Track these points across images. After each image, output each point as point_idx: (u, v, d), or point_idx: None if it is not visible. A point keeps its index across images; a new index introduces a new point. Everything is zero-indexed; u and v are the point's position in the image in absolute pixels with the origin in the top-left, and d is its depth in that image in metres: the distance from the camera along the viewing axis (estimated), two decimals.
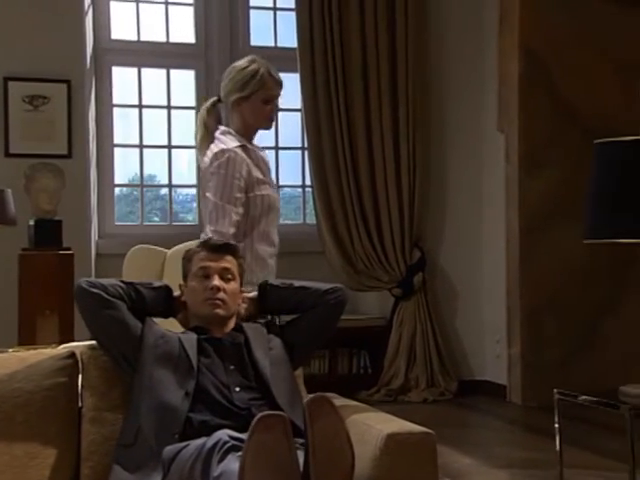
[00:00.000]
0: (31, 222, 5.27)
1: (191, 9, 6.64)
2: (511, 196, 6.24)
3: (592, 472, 4.34)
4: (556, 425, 3.20)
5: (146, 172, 6.83)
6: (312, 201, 6.52)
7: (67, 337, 4.78)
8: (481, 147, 6.73)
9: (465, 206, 6.73)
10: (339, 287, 2.83)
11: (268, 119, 3.54)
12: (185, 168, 6.88)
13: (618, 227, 2.57)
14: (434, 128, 6.68)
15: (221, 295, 2.70)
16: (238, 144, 3.43)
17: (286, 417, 2.06)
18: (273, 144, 6.82)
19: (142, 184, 6.67)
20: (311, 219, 6.68)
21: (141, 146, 6.57)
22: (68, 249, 5.27)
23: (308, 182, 6.65)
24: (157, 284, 2.77)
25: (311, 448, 2.06)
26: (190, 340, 2.61)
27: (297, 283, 2.83)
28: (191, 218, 6.83)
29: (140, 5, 6.55)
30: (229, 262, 2.77)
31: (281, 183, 6.91)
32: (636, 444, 2.85)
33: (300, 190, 6.95)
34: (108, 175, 6.43)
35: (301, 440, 2.32)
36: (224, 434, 2.21)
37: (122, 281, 2.68)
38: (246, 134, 3.52)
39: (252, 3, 6.73)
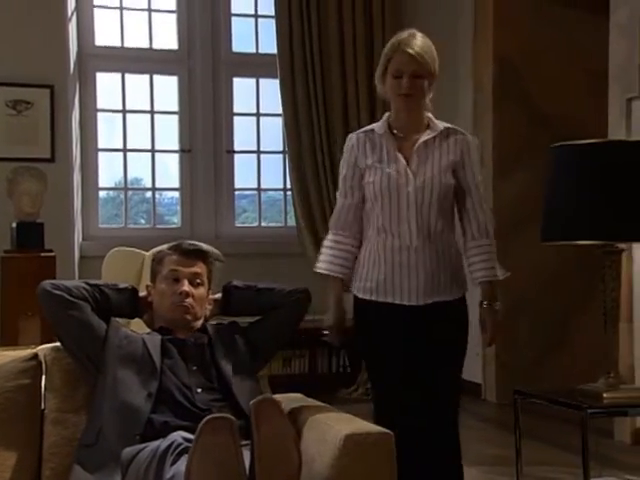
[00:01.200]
0: (13, 225, 5.21)
1: (174, 16, 6.58)
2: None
3: (553, 468, 4.36)
4: (515, 424, 3.19)
5: (132, 175, 6.77)
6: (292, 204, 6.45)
7: (49, 338, 4.71)
8: None
9: None
10: (302, 289, 2.78)
11: (396, 95, 2.92)
12: (172, 171, 6.80)
13: (573, 229, 2.58)
14: None
15: (189, 301, 2.65)
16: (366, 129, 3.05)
17: (233, 420, 2.01)
18: (255, 148, 6.77)
19: (126, 187, 6.60)
20: (292, 222, 6.62)
21: (125, 150, 6.51)
22: (50, 251, 5.22)
23: (289, 185, 6.59)
24: (122, 285, 2.70)
25: (257, 451, 2.02)
26: (154, 341, 2.56)
27: (261, 284, 2.78)
28: (176, 220, 6.76)
29: (124, 12, 6.49)
30: (200, 268, 2.71)
31: (262, 186, 6.87)
32: (593, 438, 2.82)
33: (282, 193, 6.89)
34: (92, 178, 6.36)
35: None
36: (178, 436, 2.15)
37: (87, 282, 2.62)
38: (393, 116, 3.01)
39: (234, 10, 6.67)
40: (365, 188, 2.95)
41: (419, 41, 2.97)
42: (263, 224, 6.91)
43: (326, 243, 3.04)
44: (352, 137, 3.02)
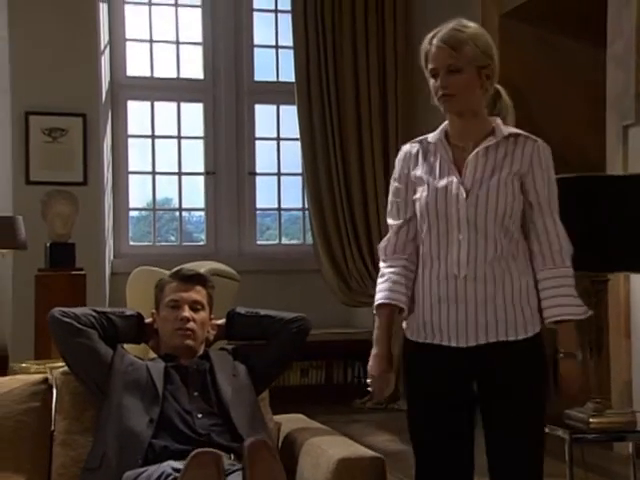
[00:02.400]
0: (47, 245, 5.23)
1: (200, 48, 6.59)
2: None
3: None
4: None
5: (163, 196, 6.79)
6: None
7: None
8: None
9: None
10: (301, 316, 2.73)
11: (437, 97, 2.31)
12: (199, 192, 6.79)
13: None
14: None
15: (191, 325, 2.61)
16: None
17: (220, 455, 1.98)
18: (275, 170, 6.76)
19: (154, 208, 6.62)
20: (311, 239, 6.60)
21: (154, 173, 6.52)
22: (80, 269, 5.21)
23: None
24: (128, 312, 2.68)
25: None
26: (157, 368, 2.52)
27: (262, 312, 2.74)
28: (203, 237, 6.77)
29: (153, 44, 6.51)
30: (198, 293, 2.66)
31: (283, 206, 6.85)
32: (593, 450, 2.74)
33: (301, 213, 6.87)
34: (123, 199, 6.39)
35: None
36: (168, 466, 2.12)
37: (94, 310, 2.59)
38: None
39: (256, 42, 6.67)
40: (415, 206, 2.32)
41: (456, 28, 2.32)
42: (284, 241, 6.89)
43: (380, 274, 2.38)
44: (404, 148, 2.42)
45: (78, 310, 2.58)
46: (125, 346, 2.65)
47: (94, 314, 2.57)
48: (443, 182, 2.26)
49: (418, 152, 2.37)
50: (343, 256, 6.31)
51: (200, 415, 2.44)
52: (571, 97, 6.02)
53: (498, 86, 2.36)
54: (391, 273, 2.32)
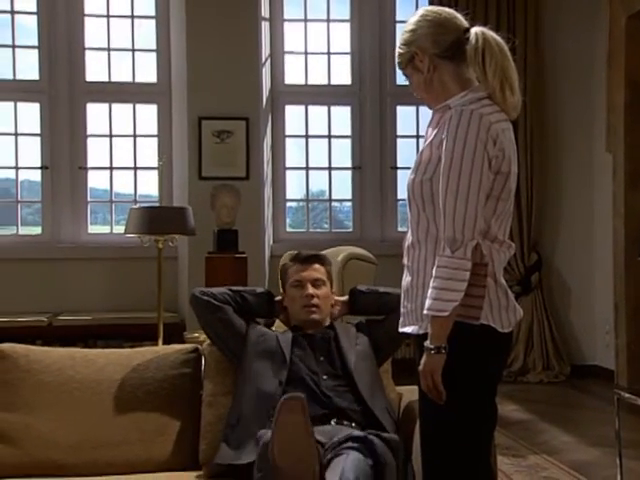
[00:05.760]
0: (215, 231, 5.35)
1: (348, 57, 6.54)
2: (617, 208, 5.76)
3: None
4: (616, 421, 2.88)
5: (318, 188, 6.81)
6: None
7: None
8: (592, 166, 6.25)
9: (577, 217, 6.27)
10: None
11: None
12: (347, 185, 6.75)
13: None
14: (551, 151, 6.27)
15: (315, 301, 2.59)
16: None
17: (303, 399, 1.97)
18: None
19: (307, 199, 6.65)
20: None
21: (307, 168, 6.55)
22: (242, 253, 5.30)
23: None
24: (259, 290, 2.67)
25: (274, 434, 1.97)
26: (286, 337, 2.52)
27: (382, 289, 2.67)
28: (351, 225, 6.73)
29: (308, 56, 6.53)
30: (317, 271, 2.63)
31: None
32: None
33: None
34: (281, 192, 6.44)
35: (373, 431, 2.19)
36: None
37: (230, 289, 2.60)
38: None
39: None
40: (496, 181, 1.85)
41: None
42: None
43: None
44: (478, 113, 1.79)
45: (215, 290, 2.60)
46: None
47: (229, 292, 2.58)
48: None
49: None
50: None
51: (325, 377, 2.41)
52: None
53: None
54: None
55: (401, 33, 1.96)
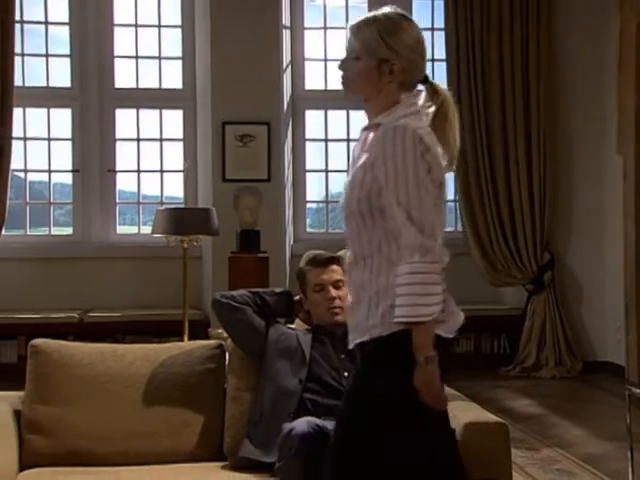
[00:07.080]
0: (238, 231, 5.36)
1: None
2: (628, 209, 5.70)
3: None
4: (627, 416, 2.86)
5: (337, 190, 6.80)
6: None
7: None
8: (603, 168, 6.20)
9: (589, 217, 6.22)
10: None
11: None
12: None
13: None
14: (563, 153, 6.24)
15: (338, 303, 2.56)
16: None
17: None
18: None
19: (327, 200, 6.65)
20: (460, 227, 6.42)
21: (327, 171, 6.55)
22: (264, 252, 5.31)
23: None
24: (278, 290, 2.66)
25: None
26: (306, 336, 2.52)
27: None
28: None
29: (327, 63, 6.53)
30: (336, 272, 2.60)
31: None
32: None
33: (453, 204, 6.69)
34: (301, 193, 6.44)
35: None
36: (310, 421, 2.11)
37: (249, 290, 2.59)
38: None
39: None
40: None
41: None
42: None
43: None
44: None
45: (235, 292, 2.59)
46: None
47: (248, 294, 2.57)
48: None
49: None
50: (489, 242, 6.13)
51: (346, 373, 2.40)
52: None
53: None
54: None
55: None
